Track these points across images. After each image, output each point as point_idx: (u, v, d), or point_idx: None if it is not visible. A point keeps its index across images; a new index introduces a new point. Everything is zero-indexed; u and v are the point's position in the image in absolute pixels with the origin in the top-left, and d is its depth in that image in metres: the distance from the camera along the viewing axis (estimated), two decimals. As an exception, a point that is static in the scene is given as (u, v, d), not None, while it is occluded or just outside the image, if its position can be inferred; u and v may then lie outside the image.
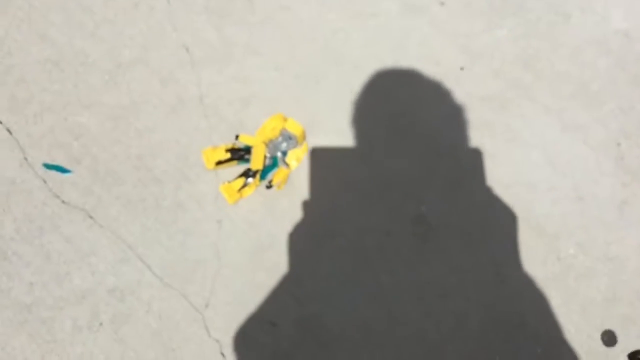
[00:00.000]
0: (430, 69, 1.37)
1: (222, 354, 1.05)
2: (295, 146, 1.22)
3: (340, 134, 1.27)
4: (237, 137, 1.21)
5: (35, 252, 1.09)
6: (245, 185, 1.17)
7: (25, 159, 1.16)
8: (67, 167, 1.16)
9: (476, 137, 1.30)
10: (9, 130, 1.18)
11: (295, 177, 1.21)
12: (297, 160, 1.21)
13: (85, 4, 1.33)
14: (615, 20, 1.50)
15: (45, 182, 1.14)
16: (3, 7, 1.31)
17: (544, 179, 1.27)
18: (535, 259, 1.18)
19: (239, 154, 1.20)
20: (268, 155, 1.20)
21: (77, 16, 1.32)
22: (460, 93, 1.35)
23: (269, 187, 1.18)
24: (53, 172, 1.15)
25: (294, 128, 1.21)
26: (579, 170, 1.28)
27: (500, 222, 1.22)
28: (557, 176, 1.27)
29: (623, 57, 1.44)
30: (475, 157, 1.28)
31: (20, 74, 1.25)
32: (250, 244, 1.14)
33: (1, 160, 1.15)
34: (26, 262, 1.08)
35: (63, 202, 1.13)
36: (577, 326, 1.12)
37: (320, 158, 1.24)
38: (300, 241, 1.15)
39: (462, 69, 1.38)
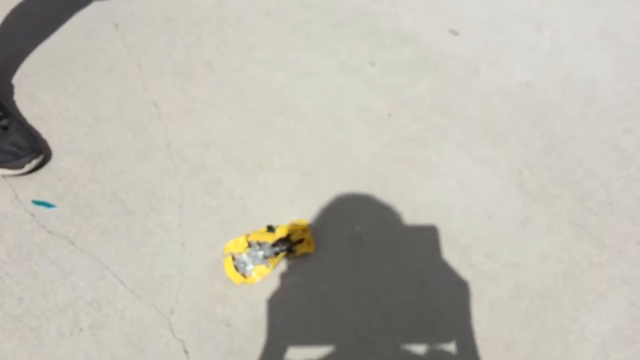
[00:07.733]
0: (362, 116, 1.63)
1: (185, 351, 1.22)
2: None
3: (287, 170, 1.50)
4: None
5: (25, 273, 1.27)
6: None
7: (17, 197, 1.36)
8: (52, 202, 1.37)
9: (401, 170, 1.54)
10: (2, 175, 1.39)
11: (249, 205, 1.43)
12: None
13: (68, 70, 1.58)
14: (517, 73, 1.80)
15: (33, 215, 1.34)
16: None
17: (458, 202, 1.51)
18: (451, 266, 1.40)
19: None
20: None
21: (61, 80, 1.56)
22: (387, 135, 1.61)
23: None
24: (40, 207, 1.35)
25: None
26: (487, 194, 1.53)
27: (422, 237, 1.44)
28: (469, 199, 1.51)
29: (524, 103, 1.72)
30: (401, 186, 1.52)
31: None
32: (208, 260, 1.33)
33: (-5, 198, 1.35)
34: (16, 280, 1.26)
35: (49, 231, 1.33)
36: (487, 319, 1.33)
37: (271, 190, 1.46)
38: (252, 257, 1.35)
39: (389, 115, 1.65)
